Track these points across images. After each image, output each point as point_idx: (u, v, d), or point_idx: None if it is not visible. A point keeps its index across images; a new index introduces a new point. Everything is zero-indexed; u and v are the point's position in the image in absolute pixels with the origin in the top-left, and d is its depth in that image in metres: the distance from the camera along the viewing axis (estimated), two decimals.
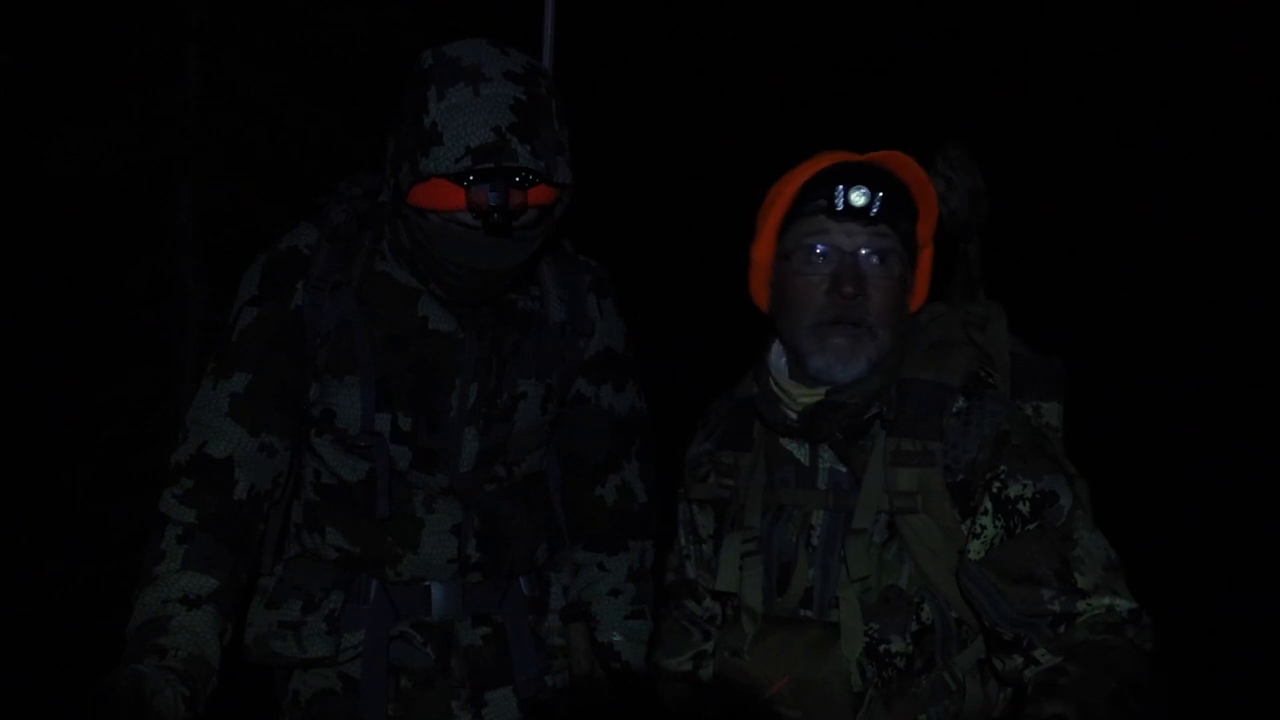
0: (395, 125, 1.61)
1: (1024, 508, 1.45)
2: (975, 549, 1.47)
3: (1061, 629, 1.39)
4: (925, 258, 1.62)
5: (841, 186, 1.51)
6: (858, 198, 1.50)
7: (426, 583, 1.77)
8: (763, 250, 1.62)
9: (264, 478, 1.67)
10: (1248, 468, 6.33)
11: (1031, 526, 1.44)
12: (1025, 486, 1.46)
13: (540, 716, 1.83)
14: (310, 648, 1.73)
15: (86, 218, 5.17)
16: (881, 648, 1.52)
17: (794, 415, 1.57)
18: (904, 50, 7.98)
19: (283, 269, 1.71)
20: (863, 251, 1.52)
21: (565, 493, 1.90)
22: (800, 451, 1.60)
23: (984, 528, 1.47)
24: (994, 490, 1.47)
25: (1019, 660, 1.42)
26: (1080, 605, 1.40)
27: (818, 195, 1.53)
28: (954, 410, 1.52)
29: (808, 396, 1.56)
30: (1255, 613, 5.00)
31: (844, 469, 1.57)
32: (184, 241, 5.18)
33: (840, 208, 1.51)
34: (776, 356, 1.63)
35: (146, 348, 5.22)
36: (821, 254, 1.53)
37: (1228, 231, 7.41)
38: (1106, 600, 1.40)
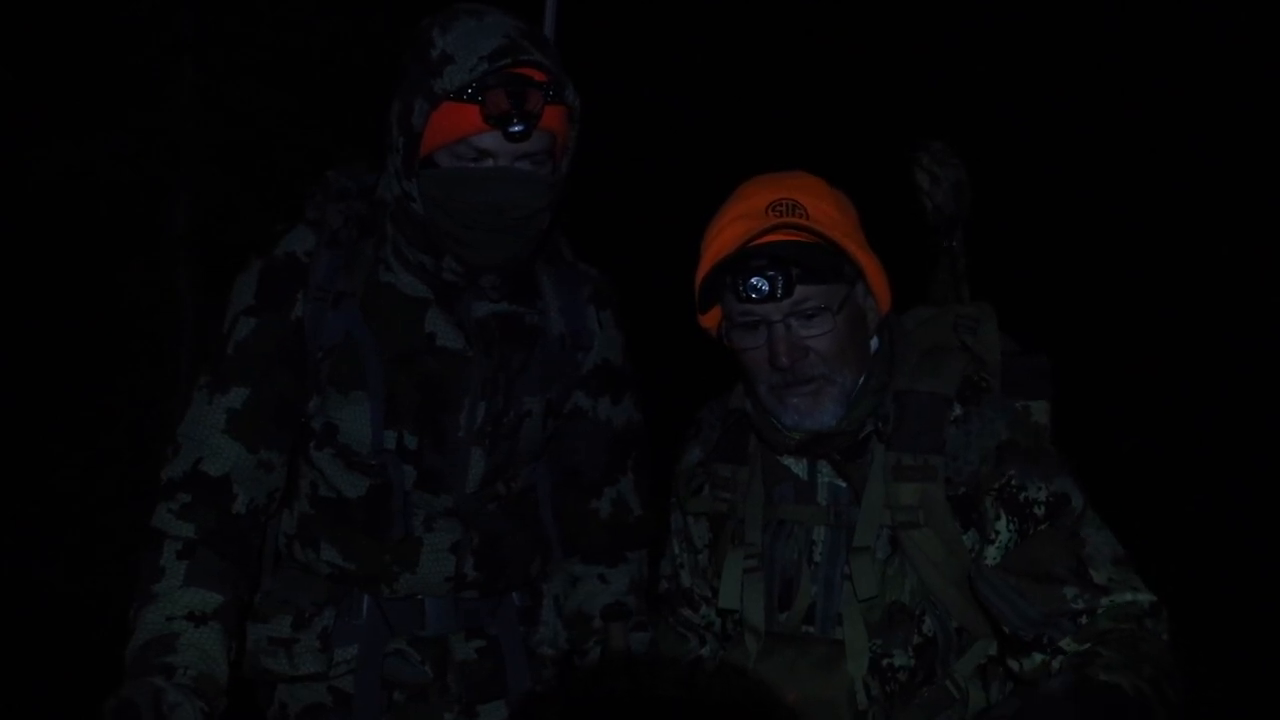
0: (395, 88, 1.57)
1: (1039, 510, 1.45)
2: (992, 554, 1.46)
3: (1083, 620, 1.38)
4: (869, 264, 1.54)
5: (740, 281, 1.48)
6: (760, 288, 1.47)
7: (420, 598, 1.73)
8: (708, 320, 1.62)
9: (261, 493, 1.62)
10: (1237, 465, 6.30)
11: (1044, 527, 1.44)
12: (1040, 489, 1.45)
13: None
14: (302, 664, 1.69)
15: (82, 227, 5.19)
16: (884, 662, 1.51)
17: (792, 439, 1.56)
18: (902, 50, 7.97)
19: (281, 277, 1.63)
20: (790, 318, 1.49)
21: (558, 505, 1.87)
22: (798, 467, 1.59)
23: (998, 533, 1.46)
24: (1006, 496, 1.46)
25: (1039, 657, 1.40)
26: (1103, 601, 1.39)
27: (725, 279, 1.51)
28: (952, 419, 1.50)
29: (798, 432, 1.55)
30: (1247, 613, 4.99)
31: (843, 484, 1.56)
32: (179, 251, 5.20)
33: (746, 299, 1.49)
34: None
35: (142, 356, 5.24)
36: (753, 329, 1.52)
37: (1219, 230, 7.40)
38: (1128, 595, 1.39)
